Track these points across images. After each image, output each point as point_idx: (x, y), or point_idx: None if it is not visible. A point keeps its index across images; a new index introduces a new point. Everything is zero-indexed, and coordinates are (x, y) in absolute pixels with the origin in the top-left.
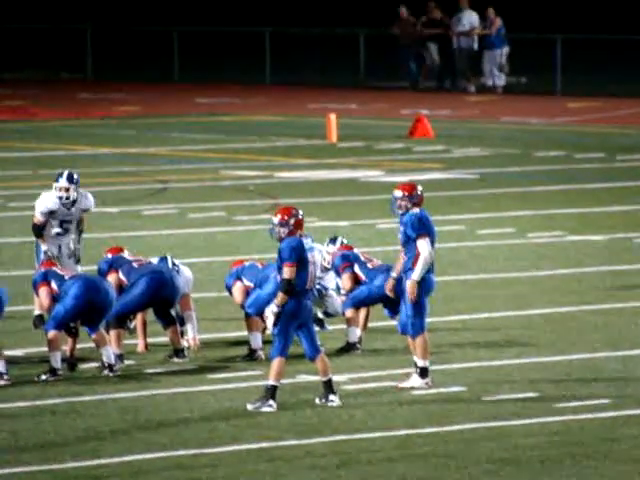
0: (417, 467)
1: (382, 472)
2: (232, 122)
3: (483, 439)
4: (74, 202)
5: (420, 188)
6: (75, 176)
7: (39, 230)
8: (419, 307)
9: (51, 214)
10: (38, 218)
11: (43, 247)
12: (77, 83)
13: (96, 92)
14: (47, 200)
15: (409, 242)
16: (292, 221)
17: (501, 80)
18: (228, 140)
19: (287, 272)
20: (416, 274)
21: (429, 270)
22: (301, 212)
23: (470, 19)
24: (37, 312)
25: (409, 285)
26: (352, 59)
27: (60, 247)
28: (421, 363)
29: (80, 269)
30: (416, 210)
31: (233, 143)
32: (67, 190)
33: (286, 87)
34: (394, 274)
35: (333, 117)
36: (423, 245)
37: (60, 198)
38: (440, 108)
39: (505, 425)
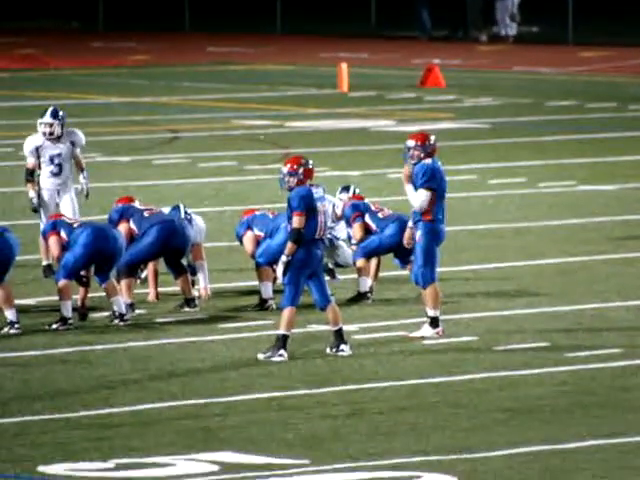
0: (427, 416)
1: (392, 421)
2: (243, 71)
3: (493, 388)
4: (59, 137)
5: (433, 138)
6: (60, 113)
7: (29, 174)
8: (429, 257)
9: (38, 151)
10: (28, 161)
11: (30, 194)
12: (88, 32)
13: (107, 41)
14: (31, 139)
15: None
16: (301, 170)
17: (512, 29)
18: (239, 89)
19: (296, 221)
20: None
21: (440, 220)
22: (311, 161)
23: None
24: (45, 262)
25: (407, 234)
26: (364, 8)
27: (58, 191)
28: (432, 313)
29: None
30: (428, 160)
31: (244, 92)
32: (50, 125)
33: (297, 36)
34: (411, 224)
35: (344, 66)
36: (421, 195)
37: (44, 134)
38: (451, 57)
39: (516, 375)
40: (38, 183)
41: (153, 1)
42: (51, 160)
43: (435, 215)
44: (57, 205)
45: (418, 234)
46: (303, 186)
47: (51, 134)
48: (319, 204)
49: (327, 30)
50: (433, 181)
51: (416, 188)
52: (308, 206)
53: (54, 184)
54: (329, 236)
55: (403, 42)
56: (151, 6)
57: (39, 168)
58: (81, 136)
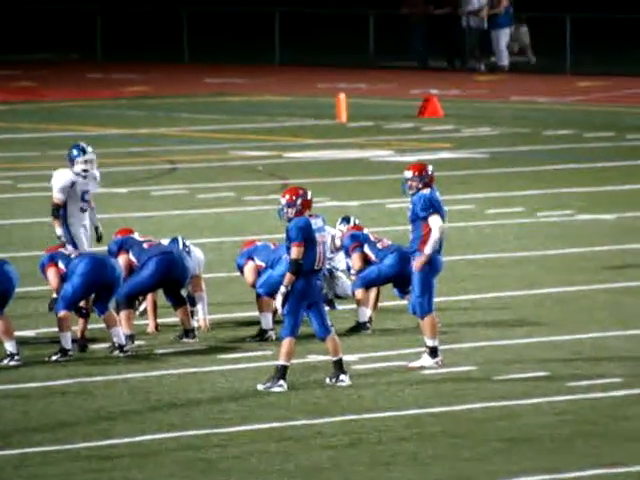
0: (427, 446)
1: (392, 452)
2: (241, 102)
3: (493, 418)
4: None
5: (430, 168)
6: (91, 148)
7: (57, 211)
8: (426, 287)
9: (71, 187)
10: (59, 197)
11: (57, 231)
12: (86, 64)
13: (105, 73)
14: (65, 175)
15: (417, 222)
16: (300, 201)
17: (507, 60)
18: (237, 120)
19: (294, 252)
20: (428, 248)
21: (437, 251)
22: (309, 192)
23: None
24: (55, 295)
25: (420, 258)
26: (361, 39)
27: (85, 227)
28: (430, 343)
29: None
30: (426, 191)
31: (242, 123)
32: (92, 162)
33: (295, 67)
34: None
35: (342, 97)
36: (435, 220)
37: (84, 171)
38: (449, 87)
39: (515, 404)
40: (65, 220)
41: (151, 32)
42: (82, 196)
43: None
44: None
45: (414, 264)
46: (301, 217)
47: (87, 170)
48: (318, 235)
49: (325, 61)
50: (434, 208)
51: (414, 217)
52: (306, 237)
53: (82, 219)
54: (328, 267)
55: (401, 72)
56: (149, 37)
57: (64, 204)
58: (98, 173)
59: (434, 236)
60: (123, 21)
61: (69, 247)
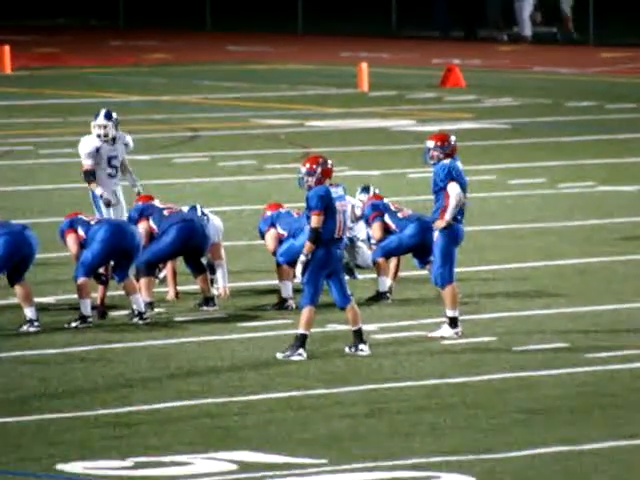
0: (446, 416)
1: (411, 421)
2: (264, 71)
3: (512, 389)
4: (114, 139)
5: (453, 138)
6: (113, 114)
7: (91, 176)
8: (447, 257)
9: (97, 152)
10: (87, 163)
11: (97, 191)
12: (108, 30)
13: (127, 40)
14: (89, 141)
15: (438, 192)
16: (320, 170)
17: (530, 30)
18: (259, 89)
19: (314, 220)
20: (448, 214)
21: (458, 220)
22: (330, 161)
23: None
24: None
25: (439, 222)
26: (384, 8)
27: (115, 192)
28: (450, 313)
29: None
30: (447, 161)
31: (264, 92)
32: (104, 127)
33: (318, 36)
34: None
35: (365, 66)
36: (453, 187)
37: (99, 136)
38: (471, 57)
39: (534, 375)
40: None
41: (174, 0)
42: (109, 161)
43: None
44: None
45: (436, 235)
46: (322, 185)
47: (105, 135)
48: (338, 203)
49: (347, 30)
50: (453, 177)
51: (436, 189)
52: (326, 206)
53: (112, 184)
54: (349, 236)
55: (423, 42)
56: (172, 4)
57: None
58: (131, 139)
59: (452, 203)
60: None
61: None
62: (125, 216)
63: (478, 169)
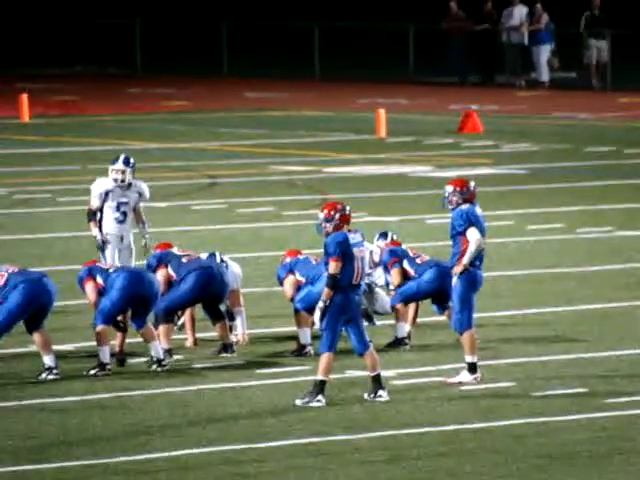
0: (465, 462)
1: (430, 467)
2: (281, 117)
3: (532, 435)
4: (129, 185)
5: (472, 184)
6: (131, 160)
7: (92, 215)
8: (466, 303)
9: (107, 195)
10: (93, 202)
11: (93, 232)
12: (126, 78)
13: (145, 87)
14: (102, 182)
15: (456, 237)
16: (338, 216)
17: (547, 75)
18: (277, 135)
19: (332, 267)
20: (466, 258)
21: (477, 266)
22: (348, 207)
23: (521, 13)
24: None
25: (457, 267)
26: (401, 54)
27: (122, 238)
28: (469, 359)
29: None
30: (465, 206)
31: (282, 138)
32: (123, 172)
33: (335, 82)
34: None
35: (382, 112)
36: (472, 233)
37: (115, 180)
38: (489, 103)
39: (554, 420)
40: (100, 227)
41: (191, 47)
42: (117, 207)
43: (472, 261)
44: (119, 250)
45: (454, 280)
46: (340, 232)
47: (122, 181)
48: (356, 249)
49: (365, 76)
50: (472, 223)
51: (454, 233)
52: (344, 252)
53: (118, 230)
54: (367, 282)
55: (440, 88)
56: (189, 52)
57: (101, 212)
58: (147, 189)
59: (471, 248)
60: (162, 35)
61: (103, 261)
62: (132, 261)
63: (496, 214)
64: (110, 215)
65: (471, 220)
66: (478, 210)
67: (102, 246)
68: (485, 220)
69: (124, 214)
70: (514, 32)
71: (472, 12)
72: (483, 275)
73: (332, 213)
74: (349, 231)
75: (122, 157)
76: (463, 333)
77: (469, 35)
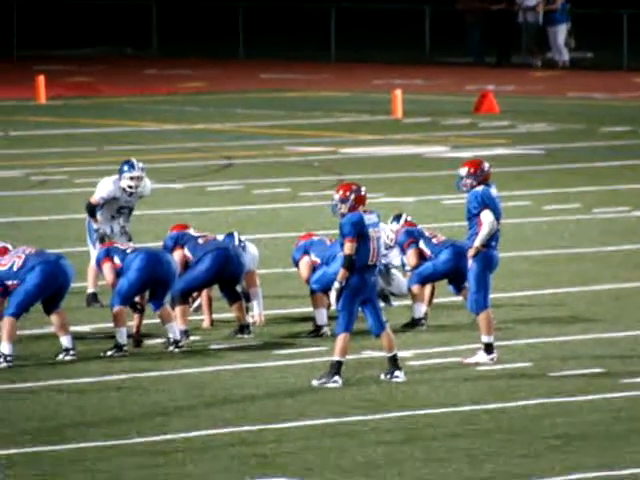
0: (482, 443)
1: (447, 447)
2: (297, 98)
3: (548, 415)
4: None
5: (487, 165)
6: (142, 165)
7: (93, 210)
8: (482, 284)
9: (113, 200)
10: (97, 199)
11: (95, 225)
12: (142, 59)
13: (161, 68)
14: (111, 186)
15: (472, 219)
16: (353, 197)
17: (566, 55)
18: (293, 116)
19: (347, 247)
20: (478, 240)
21: (493, 246)
22: (363, 188)
23: None
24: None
25: (470, 251)
26: (417, 35)
27: (112, 227)
28: (485, 339)
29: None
30: (479, 188)
31: (298, 119)
32: (139, 179)
33: (351, 63)
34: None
35: (398, 93)
36: (486, 215)
37: (130, 187)
38: (505, 83)
39: (570, 401)
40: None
41: (207, 28)
42: (118, 210)
43: (488, 241)
44: (109, 239)
45: (470, 261)
46: (355, 212)
47: (136, 187)
48: (371, 230)
49: (381, 57)
50: (487, 205)
51: (469, 215)
52: (360, 232)
53: (109, 223)
54: (383, 261)
55: (457, 68)
56: (205, 33)
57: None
58: (150, 188)
59: (484, 230)
60: (178, 16)
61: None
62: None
63: (512, 195)
64: (107, 213)
65: (485, 202)
66: (493, 191)
67: (102, 239)
68: (501, 201)
69: (120, 214)
70: (530, 12)
71: None
72: (499, 256)
73: (347, 194)
74: (364, 212)
75: (135, 162)
76: (479, 313)
77: (485, 16)
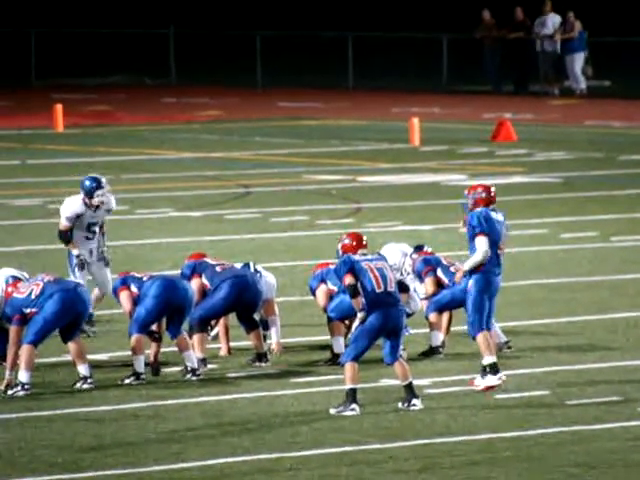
0: (500, 471)
1: (464, 476)
2: (314, 126)
3: (566, 443)
4: (99, 205)
5: (482, 189)
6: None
7: (68, 236)
8: (478, 307)
9: (77, 218)
10: (65, 224)
11: (75, 252)
12: (161, 88)
13: (179, 97)
14: (73, 205)
15: (470, 241)
16: (344, 244)
17: (583, 83)
18: (311, 144)
19: (344, 281)
20: (467, 265)
21: (493, 272)
22: (364, 238)
23: (554, 22)
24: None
25: (457, 274)
26: (435, 63)
27: (91, 251)
28: (489, 359)
29: (109, 273)
30: (479, 209)
31: (315, 147)
32: (107, 195)
33: (369, 91)
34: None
35: (416, 121)
36: (480, 241)
37: (101, 202)
38: (523, 112)
39: (588, 429)
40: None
41: (224, 57)
42: (88, 227)
43: (486, 265)
44: (89, 265)
45: (470, 283)
46: (346, 255)
47: (104, 203)
48: (365, 262)
49: (398, 85)
50: (484, 227)
51: (467, 237)
52: (351, 271)
53: (88, 245)
54: (400, 277)
55: (474, 97)
56: (222, 62)
57: (70, 231)
58: (114, 202)
59: (476, 257)
60: (196, 45)
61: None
62: (108, 271)
63: (530, 223)
64: (79, 234)
65: (482, 223)
66: (494, 214)
67: (83, 265)
68: (508, 228)
69: (93, 232)
70: (547, 41)
71: (505, 21)
72: (500, 282)
73: (354, 244)
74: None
75: (102, 179)
76: (477, 335)
77: (503, 44)
